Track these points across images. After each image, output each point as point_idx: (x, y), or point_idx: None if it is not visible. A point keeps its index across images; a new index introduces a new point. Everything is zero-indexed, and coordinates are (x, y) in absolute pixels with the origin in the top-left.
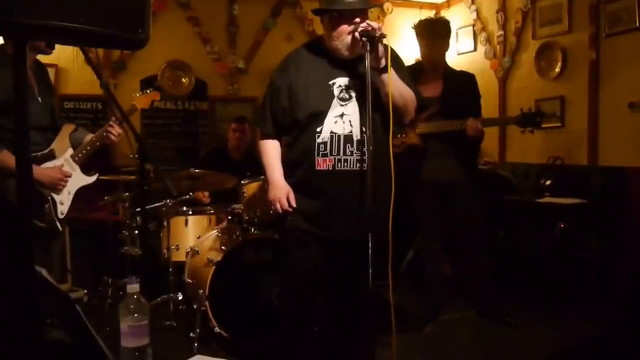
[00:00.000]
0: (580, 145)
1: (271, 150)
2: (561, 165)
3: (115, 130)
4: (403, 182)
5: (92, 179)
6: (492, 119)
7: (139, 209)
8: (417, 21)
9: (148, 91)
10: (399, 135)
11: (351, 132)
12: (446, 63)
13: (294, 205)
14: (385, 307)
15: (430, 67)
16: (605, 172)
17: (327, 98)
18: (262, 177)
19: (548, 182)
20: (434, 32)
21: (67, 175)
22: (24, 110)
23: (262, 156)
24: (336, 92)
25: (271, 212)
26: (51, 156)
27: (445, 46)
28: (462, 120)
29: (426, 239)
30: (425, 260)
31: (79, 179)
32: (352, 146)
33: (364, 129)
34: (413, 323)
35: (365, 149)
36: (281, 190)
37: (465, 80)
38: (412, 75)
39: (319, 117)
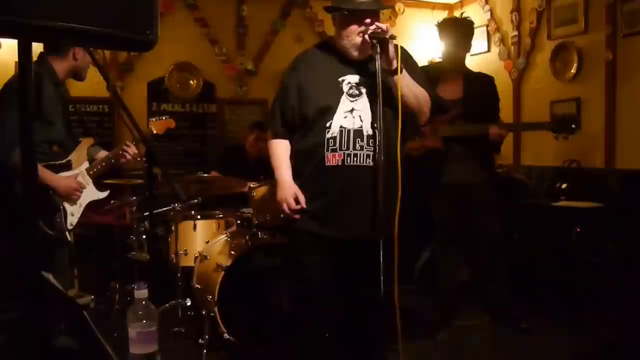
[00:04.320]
0: (597, 148)
1: (280, 151)
2: (577, 168)
3: (132, 150)
4: (421, 184)
5: (103, 194)
6: (524, 124)
7: (146, 214)
8: (440, 19)
9: (163, 118)
10: (418, 138)
11: (361, 126)
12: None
13: (303, 205)
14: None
15: (451, 67)
16: (623, 175)
17: (336, 94)
18: (273, 180)
19: (564, 186)
20: (458, 31)
21: (82, 187)
22: (29, 112)
23: (272, 157)
24: (345, 88)
25: (282, 216)
26: (68, 167)
27: (468, 46)
28: (485, 125)
29: (442, 243)
30: (441, 264)
31: (90, 193)
32: (362, 141)
33: (375, 125)
34: (427, 328)
35: (377, 145)
36: (288, 191)
37: (485, 83)
38: (432, 75)
39: (328, 112)
